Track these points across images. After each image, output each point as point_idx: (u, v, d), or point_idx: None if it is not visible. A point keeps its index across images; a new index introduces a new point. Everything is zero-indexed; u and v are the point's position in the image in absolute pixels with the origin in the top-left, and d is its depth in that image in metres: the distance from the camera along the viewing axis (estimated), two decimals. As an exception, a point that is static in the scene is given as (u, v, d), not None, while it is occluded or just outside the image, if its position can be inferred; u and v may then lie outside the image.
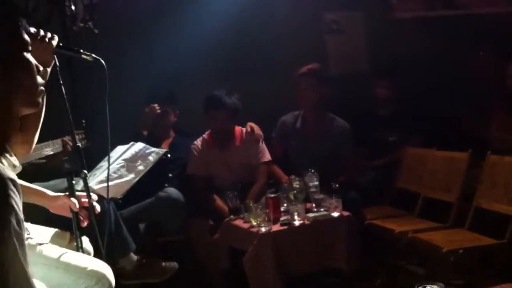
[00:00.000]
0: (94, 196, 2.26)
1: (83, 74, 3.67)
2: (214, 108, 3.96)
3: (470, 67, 4.72)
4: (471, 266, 3.44)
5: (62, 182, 2.73)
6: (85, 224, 2.25)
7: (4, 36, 1.33)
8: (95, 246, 2.32)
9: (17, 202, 1.22)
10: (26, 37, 1.40)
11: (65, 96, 2.21)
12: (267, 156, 4.10)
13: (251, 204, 3.45)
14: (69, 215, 2.21)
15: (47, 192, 2.29)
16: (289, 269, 3.32)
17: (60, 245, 2.19)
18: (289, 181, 3.73)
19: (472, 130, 4.43)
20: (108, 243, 2.33)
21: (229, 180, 4.00)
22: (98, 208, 2.25)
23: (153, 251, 3.68)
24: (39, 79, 1.42)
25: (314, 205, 3.53)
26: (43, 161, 3.20)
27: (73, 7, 3.70)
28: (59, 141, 3.24)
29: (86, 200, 2.22)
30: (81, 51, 2.23)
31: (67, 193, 2.25)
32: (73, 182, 2.23)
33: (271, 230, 3.28)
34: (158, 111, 4.06)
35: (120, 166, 3.45)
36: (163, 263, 3.47)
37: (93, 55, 2.23)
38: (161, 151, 3.69)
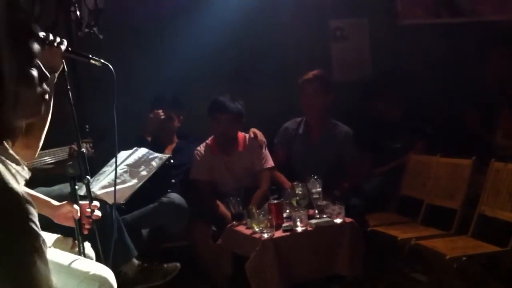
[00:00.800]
0: (96, 203, 2.26)
1: (86, 80, 3.70)
2: (219, 111, 3.97)
3: (475, 74, 4.72)
4: (474, 273, 3.42)
5: (66, 187, 2.72)
6: (86, 232, 2.25)
7: (8, 51, 1.24)
8: (96, 251, 2.32)
9: (37, 224, 1.24)
10: (35, 47, 1.32)
11: (71, 101, 2.21)
12: (270, 162, 4.10)
13: (253, 210, 3.44)
14: (73, 224, 2.21)
15: (52, 201, 2.28)
16: (291, 275, 3.30)
17: (63, 250, 2.19)
18: (292, 187, 3.73)
19: (477, 137, 4.43)
20: (110, 249, 2.33)
21: (232, 185, 4.01)
22: (99, 214, 2.25)
23: (156, 257, 3.68)
24: (44, 87, 1.36)
25: (316, 211, 3.52)
26: (51, 167, 3.21)
27: (78, 13, 3.73)
28: (66, 148, 3.24)
29: (89, 210, 2.22)
30: (90, 56, 2.23)
31: (70, 200, 2.25)
32: (76, 187, 2.23)
33: (274, 236, 3.27)
34: (163, 117, 4.07)
35: (123, 171, 3.47)
36: (165, 265, 3.47)
37: (102, 60, 2.23)
38: (164, 156, 3.70)
